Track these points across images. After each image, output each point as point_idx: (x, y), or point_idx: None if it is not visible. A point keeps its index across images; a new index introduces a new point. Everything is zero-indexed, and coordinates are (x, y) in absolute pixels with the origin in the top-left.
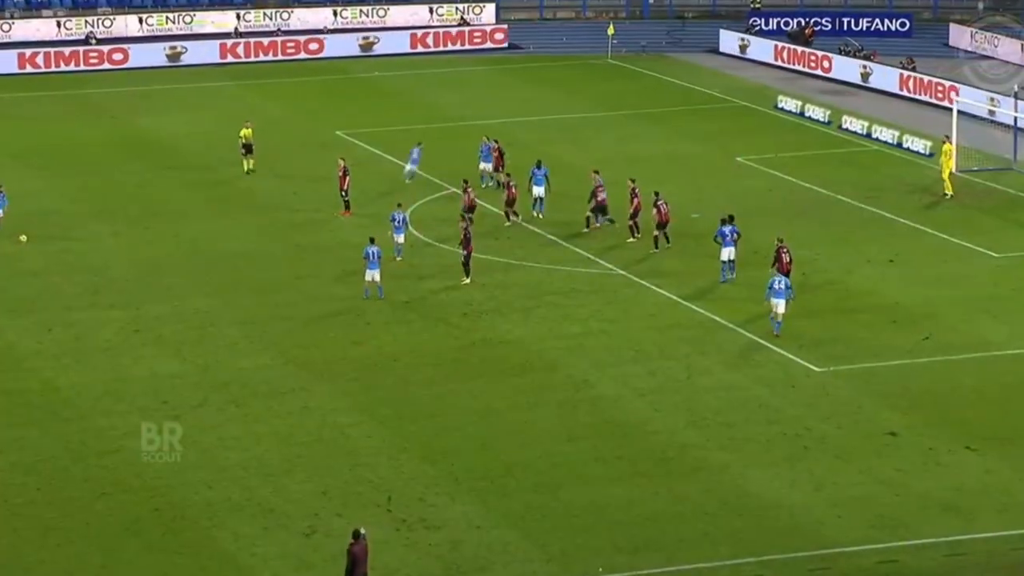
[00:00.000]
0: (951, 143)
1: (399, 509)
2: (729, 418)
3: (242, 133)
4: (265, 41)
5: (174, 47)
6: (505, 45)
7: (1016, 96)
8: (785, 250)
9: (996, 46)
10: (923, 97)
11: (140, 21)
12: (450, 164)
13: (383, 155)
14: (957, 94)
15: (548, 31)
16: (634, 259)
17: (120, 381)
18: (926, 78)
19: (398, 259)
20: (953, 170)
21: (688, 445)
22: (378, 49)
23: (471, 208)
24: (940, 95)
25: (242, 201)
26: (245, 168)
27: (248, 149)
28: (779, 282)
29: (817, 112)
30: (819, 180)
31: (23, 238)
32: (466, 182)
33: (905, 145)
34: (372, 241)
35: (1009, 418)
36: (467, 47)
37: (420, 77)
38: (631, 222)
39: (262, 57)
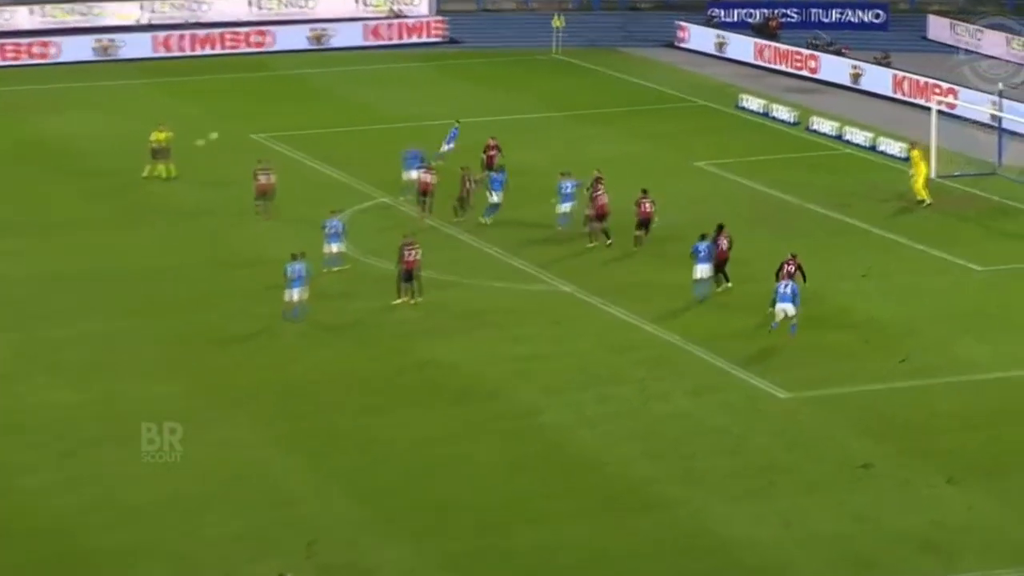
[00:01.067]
0: (919, 148)
1: (326, 553)
2: (688, 449)
3: (152, 137)
4: (202, 33)
5: (100, 40)
6: (442, 39)
7: (1001, 95)
8: (791, 263)
9: (979, 40)
10: (900, 96)
11: (30, 12)
12: (382, 171)
13: (305, 160)
14: (956, 96)
15: (488, 23)
16: (586, 274)
17: (11, 413)
18: (922, 79)
19: (334, 270)
20: (932, 175)
21: (644, 479)
22: (333, 42)
23: (463, 199)
24: (938, 98)
25: (152, 211)
26: (159, 174)
27: (163, 154)
28: (785, 286)
29: (783, 112)
30: (785, 186)
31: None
32: (464, 168)
33: (880, 148)
34: (295, 257)
35: (994, 448)
36: (404, 41)
37: (347, 74)
38: (595, 227)
39: (199, 51)
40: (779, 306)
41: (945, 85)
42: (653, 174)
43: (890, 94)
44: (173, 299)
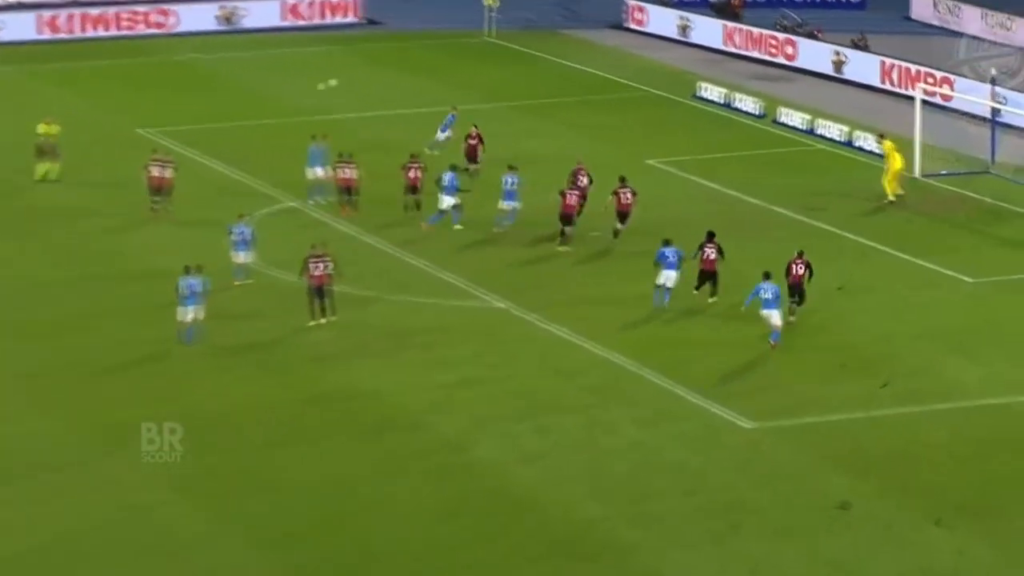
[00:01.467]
0: (891, 140)
1: None
2: (641, 487)
3: (40, 130)
4: (94, 12)
5: None
6: (360, 20)
7: (994, 82)
8: (798, 262)
9: (959, 16)
10: (888, 86)
11: None
12: (289, 170)
13: (198, 158)
14: (952, 87)
15: (411, 2)
16: (524, 287)
17: None
18: (913, 67)
19: (238, 283)
20: (917, 175)
21: (590, 521)
22: (246, 23)
23: (413, 189)
24: (932, 88)
25: (24, 218)
26: (38, 174)
27: (50, 151)
28: (766, 290)
29: (747, 103)
30: (749, 187)
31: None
32: (413, 156)
33: (856, 143)
34: (188, 271)
35: (987, 485)
36: (326, 22)
37: (253, 60)
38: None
39: (91, 33)
40: (764, 312)
41: (939, 74)
42: (599, 173)
43: (877, 84)
44: (50, 319)
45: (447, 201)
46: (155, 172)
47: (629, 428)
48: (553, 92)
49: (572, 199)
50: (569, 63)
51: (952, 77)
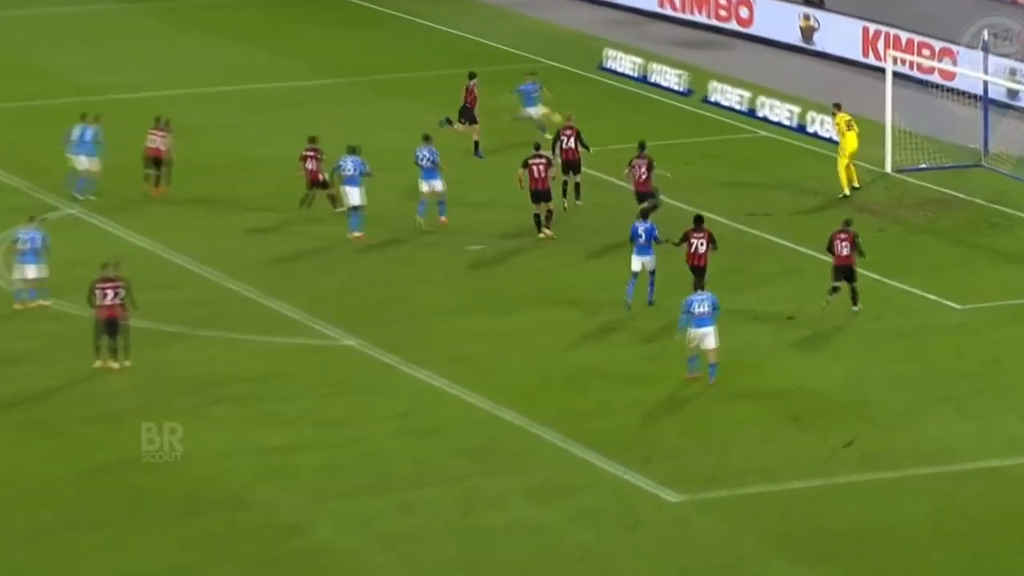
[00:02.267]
0: (846, 113)
1: None
2: None
3: None
4: None
5: None
6: None
7: (984, 48)
8: (843, 237)
9: None
10: (873, 60)
11: None
12: (62, 166)
13: None
14: (954, 60)
15: None
16: (380, 318)
17: None
18: (904, 36)
19: (32, 305)
20: (888, 170)
21: None
22: None
23: (317, 183)
24: (923, 60)
25: None
26: None
27: None
28: (701, 302)
29: (668, 76)
30: (671, 186)
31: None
32: (311, 139)
33: (810, 129)
34: None
35: (979, 570)
36: None
37: (10, 21)
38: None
39: None
40: (694, 331)
41: (938, 44)
42: (477, 168)
43: (859, 58)
44: None
45: (355, 195)
46: None
47: (518, 503)
48: (416, 64)
49: (540, 170)
50: (438, 26)
51: (954, 49)
